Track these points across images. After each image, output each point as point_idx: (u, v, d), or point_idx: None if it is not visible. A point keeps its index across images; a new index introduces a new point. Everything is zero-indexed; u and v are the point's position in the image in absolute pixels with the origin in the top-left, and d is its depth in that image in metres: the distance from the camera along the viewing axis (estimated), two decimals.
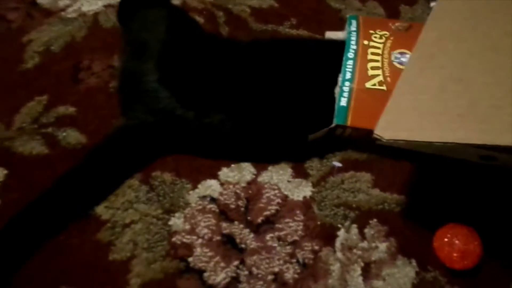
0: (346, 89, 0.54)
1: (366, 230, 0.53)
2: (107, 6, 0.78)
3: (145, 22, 0.65)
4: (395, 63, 0.55)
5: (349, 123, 0.53)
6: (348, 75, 0.55)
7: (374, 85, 0.54)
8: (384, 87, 0.54)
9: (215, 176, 0.57)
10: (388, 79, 0.54)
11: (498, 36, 0.43)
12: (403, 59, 0.55)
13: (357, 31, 0.59)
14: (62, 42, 0.73)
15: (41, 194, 0.52)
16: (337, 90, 0.55)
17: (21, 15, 0.78)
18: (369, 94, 0.54)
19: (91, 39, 0.73)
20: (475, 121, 0.37)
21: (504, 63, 0.42)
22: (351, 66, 0.55)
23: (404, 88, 0.44)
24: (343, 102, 0.54)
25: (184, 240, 0.52)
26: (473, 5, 0.49)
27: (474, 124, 0.37)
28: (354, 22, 0.61)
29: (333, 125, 0.54)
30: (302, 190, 0.56)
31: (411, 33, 0.58)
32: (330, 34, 0.70)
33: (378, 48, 0.57)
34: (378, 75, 0.54)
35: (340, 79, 0.55)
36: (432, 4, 0.65)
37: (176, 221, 0.53)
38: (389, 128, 0.41)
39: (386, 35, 0.58)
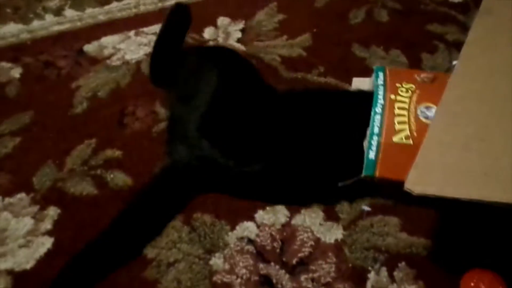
0: (374, 142, 0.58)
1: (395, 273, 0.56)
2: (148, 55, 0.85)
3: (197, 69, 0.69)
4: (421, 118, 0.58)
5: (377, 174, 0.57)
6: (376, 130, 0.59)
7: (401, 139, 0.57)
8: (410, 141, 0.57)
9: (251, 218, 0.61)
10: (414, 133, 0.57)
11: None
12: (429, 114, 0.58)
13: (384, 84, 0.63)
14: (108, 88, 0.79)
15: (95, 238, 0.57)
16: (365, 143, 0.59)
17: (69, 62, 0.85)
18: (396, 148, 0.57)
19: (135, 86, 0.80)
20: (499, 180, 0.41)
21: None
22: (379, 121, 0.59)
23: (431, 144, 0.48)
24: (372, 155, 0.57)
25: (225, 279, 0.56)
26: (492, 65, 0.54)
27: (497, 183, 0.41)
28: (381, 75, 0.65)
29: (361, 176, 0.58)
30: (333, 233, 0.59)
31: (436, 85, 0.62)
32: (357, 81, 0.74)
33: (405, 102, 0.60)
34: (404, 129, 0.58)
35: (368, 132, 0.59)
36: (454, 62, 0.69)
37: (217, 261, 0.57)
38: (418, 182, 0.45)
39: (412, 89, 0.62)
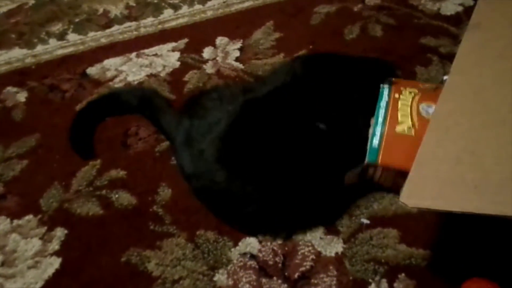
0: (377, 132, 0.62)
1: (395, 285, 0.57)
2: (150, 76, 0.87)
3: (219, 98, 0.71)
4: (422, 113, 0.62)
5: (379, 162, 0.60)
6: (380, 120, 0.63)
7: (403, 130, 0.61)
8: (412, 133, 0.61)
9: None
10: (416, 126, 0.61)
11: (506, 111, 0.49)
12: (430, 110, 0.62)
13: (390, 87, 0.67)
14: None
15: None
16: (370, 131, 0.62)
17: (73, 85, 0.88)
18: (398, 138, 0.61)
19: None
20: (490, 193, 0.42)
21: None
22: (383, 113, 0.63)
23: (425, 158, 0.50)
24: (375, 143, 0.61)
25: None
26: (482, 79, 0.55)
27: (488, 195, 0.42)
28: (387, 82, 0.69)
29: (365, 162, 0.60)
30: (334, 247, 0.61)
31: (438, 92, 0.65)
32: None
33: (407, 100, 0.64)
34: (407, 121, 0.62)
35: (372, 122, 0.63)
36: (445, 77, 0.71)
37: (220, 277, 0.59)
38: (412, 196, 0.47)
39: (415, 92, 0.66)
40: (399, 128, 0.62)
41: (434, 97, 0.63)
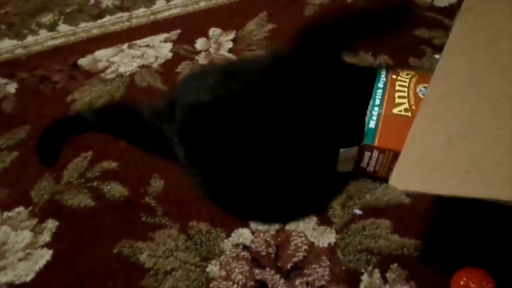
0: (375, 113, 0.62)
1: (387, 274, 0.57)
2: (141, 67, 0.86)
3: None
4: (419, 94, 0.62)
5: (376, 143, 0.60)
6: (377, 101, 0.63)
7: (401, 111, 0.61)
8: (409, 114, 0.61)
9: (246, 225, 0.63)
10: (413, 107, 0.61)
11: (497, 97, 0.48)
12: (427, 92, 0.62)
13: (387, 69, 0.68)
14: (103, 101, 0.81)
15: None
16: (367, 113, 0.62)
17: (64, 76, 0.87)
18: (395, 119, 0.61)
19: (129, 98, 0.81)
20: (480, 177, 0.42)
21: (503, 123, 0.47)
22: (380, 94, 0.63)
23: (415, 141, 0.50)
24: (372, 124, 0.61)
25: (221, 286, 0.57)
26: (474, 64, 0.55)
27: (479, 179, 0.42)
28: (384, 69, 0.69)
29: (361, 144, 0.60)
30: (326, 237, 0.61)
31: None
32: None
33: (405, 81, 0.64)
34: (404, 103, 0.62)
35: (370, 104, 0.63)
36: (437, 56, 0.72)
37: (213, 268, 0.59)
38: (402, 179, 0.46)
39: (412, 74, 0.66)
40: (396, 110, 0.62)
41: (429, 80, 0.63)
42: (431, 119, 0.52)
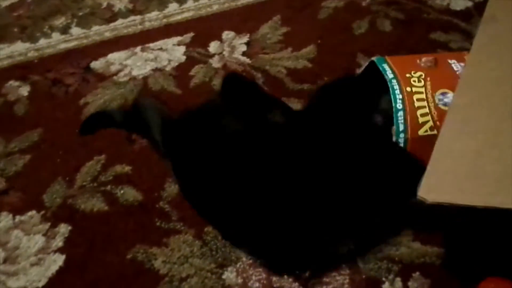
0: (401, 140, 0.59)
1: (409, 283, 0.56)
2: (155, 70, 0.86)
3: None
4: (440, 106, 0.60)
5: None
6: (401, 127, 0.60)
7: (426, 131, 0.59)
8: (435, 132, 0.58)
9: None
10: (437, 123, 0.59)
11: None
12: (446, 100, 0.60)
13: (396, 77, 0.63)
14: (116, 104, 0.80)
15: None
16: (394, 140, 0.60)
17: (77, 79, 0.86)
18: (422, 141, 0.58)
19: None
20: None
21: None
22: (402, 117, 0.60)
23: (442, 152, 0.48)
24: None
25: None
26: (500, 71, 0.54)
27: (511, 188, 0.41)
28: (387, 67, 0.64)
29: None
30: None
31: (441, 68, 0.63)
32: None
33: (421, 93, 0.61)
34: (428, 121, 0.59)
35: (394, 131, 0.60)
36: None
37: (229, 275, 0.57)
38: (431, 190, 0.45)
39: (422, 76, 0.63)
40: (421, 131, 0.59)
41: (443, 78, 0.61)
42: (458, 128, 0.51)
